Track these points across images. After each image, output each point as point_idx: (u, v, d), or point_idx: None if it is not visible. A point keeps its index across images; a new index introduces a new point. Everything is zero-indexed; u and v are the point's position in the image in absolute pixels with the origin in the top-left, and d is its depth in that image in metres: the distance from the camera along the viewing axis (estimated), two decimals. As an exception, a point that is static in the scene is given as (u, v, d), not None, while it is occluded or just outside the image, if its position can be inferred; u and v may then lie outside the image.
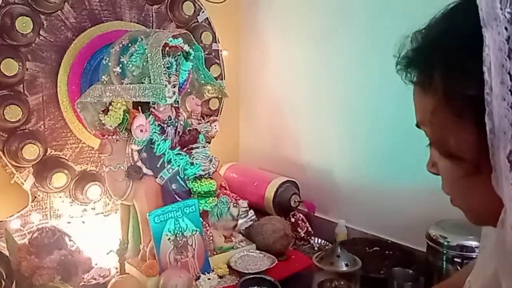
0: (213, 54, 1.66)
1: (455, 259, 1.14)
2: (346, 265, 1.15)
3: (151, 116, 1.25)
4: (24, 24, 1.20)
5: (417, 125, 0.56)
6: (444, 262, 1.16)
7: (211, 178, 1.31)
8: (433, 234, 1.19)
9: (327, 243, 1.49)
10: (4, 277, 1.01)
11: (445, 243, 1.15)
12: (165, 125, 1.28)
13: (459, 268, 1.14)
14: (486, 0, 0.46)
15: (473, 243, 1.13)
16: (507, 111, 0.44)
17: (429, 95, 0.51)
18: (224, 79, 1.71)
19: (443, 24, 0.51)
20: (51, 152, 1.34)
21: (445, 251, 1.15)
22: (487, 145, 0.45)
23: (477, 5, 0.46)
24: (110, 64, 1.21)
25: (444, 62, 0.49)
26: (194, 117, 1.41)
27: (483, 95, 0.45)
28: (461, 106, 0.48)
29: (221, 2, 1.71)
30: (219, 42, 1.67)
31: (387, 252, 1.36)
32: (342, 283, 1.14)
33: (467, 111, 0.47)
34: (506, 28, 0.45)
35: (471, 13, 0.47)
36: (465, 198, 0.54)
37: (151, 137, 1.24)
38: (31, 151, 1.25)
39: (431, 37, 0.52)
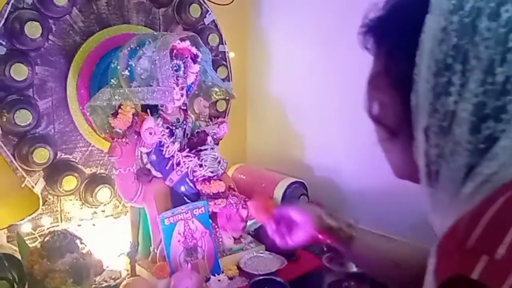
0: (220, 56, 1.67)
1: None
2: (356, 266, 1.15)
3: (159, 118, 1.26)
4: (33, 29, 1.21)
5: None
6: (455, 262, 1.15)
7: (220, 180, 1.31)
8: (443, 233, 1.18)
9: (336, 243, 1.49)
10: (17, 280, 1.02)
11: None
12: (174, 128, 1.29)
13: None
14: None
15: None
16: (428, 92, 0.50)
17: (376, 62, 0.59)
18: (231, 80, 1.71)
19: (404, 1, 0.56)
20: (61, 155, 1.35)
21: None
22: (407, 117, 0.53)
23: None
24: (118, 67, 1.21)
25: (390, 38, 0.56)
26: (202, 119, 1.42)
27: (412, 75, 0.51)
28: (395, 80, 0.55)
29: (227, 4, 1.72)
30: (226, 44, 1.67)
31: (397, 252, 1.35)
32: (352, 283, 1.14)
33: (398, 85, 0.54)
34: (445, 18, 0.49)
35: None
36: (388, 156, 0.63)
37: (160, 140, 1.25)
38: (42, 155, 1.26)
39: (389, 11, 0.57)
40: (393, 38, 0.55)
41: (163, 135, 1.25)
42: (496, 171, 0.48)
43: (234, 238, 1.32)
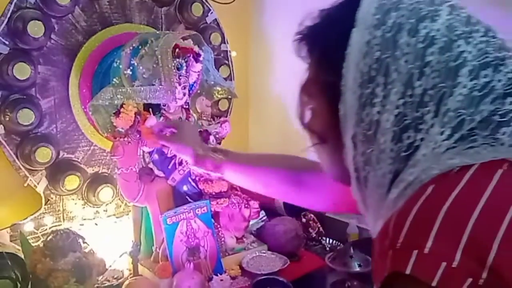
0: (222, 55, 1.66)
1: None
2: (359, 265, 1.15)
3: (162, 117, 1.26)
4: (36, 28, 1.21)
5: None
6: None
7: (222, 179, 1.31)
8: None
9: (339, 243, 1.49)
10: (20, 279, 1.02)
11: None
12: (176, 127, 1.29)
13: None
14: (368, 2, 0.53)
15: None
16: (354, 102, 0.53)
17: (308, 70, 0.60)
18: (233, 79, 1.71)
19: (334, 13, 0.59)
20: (64, 154, 1.35)
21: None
22: (335, 124, 0.55)
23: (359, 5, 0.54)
24: (120, 66, 1.21)
25: (320, 49, 0.58)
26: (205, 118, 1.42)
27: (340, 85, 0.54)
28: (324, 90, 0.57)
29: (229, 3, 1.71)
30: (228, 43, 1.67)
31: (399, 251, 1.35)
32: (355, 283, 1.14)
33: (327, 94, 0.57)
34: (369, 33, 0.52)
35: (355, 9, 0.54)
36: (320, 159, 0.65)
37: (162, 139, 1.24)
38: (44, 154, 1.26)
39: (321, 22, 0.59)
40: (323, 49, 0.58)
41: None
42: (418, 176, 0.51)
43: (237, 238, 1.32)
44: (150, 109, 1.25)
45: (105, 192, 1.38)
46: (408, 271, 0.44)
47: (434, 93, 0.50)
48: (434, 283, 0.42)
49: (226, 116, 1.68)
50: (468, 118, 0.49)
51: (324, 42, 0.58)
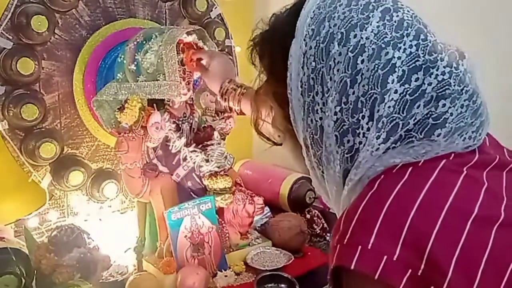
0: (226, 50, 1.66)
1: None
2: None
3: (166, 113, 1.25)
4: (39, 23, 1.20)
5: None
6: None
7: (227, 175, 1.30)
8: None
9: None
10: (24, 275, 1.02)
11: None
12: (180, 122, 1.28)
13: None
14: (305, 13, 0.56)
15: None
16: (300, 109, 0.57)
17: (261, 74, 0.65)
18: (238, 75, 1.70)
19: (280, 21, 0.61)
20: (68, 150, 1.35)
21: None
22: (289, 127, 0.60)
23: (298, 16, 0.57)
24: (125, 61, 1.21)
25: (267, 58, 0.62)
26: (209, 113, 1.41)
27: (287, 93, 0.57)
28: (274, 98, 0.62)
29: (234, -2, 1.70)
30: (232, 38, 1.66)
31: (404, 248, 1.34)
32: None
33: (278, 100, 0.61)
34: (305, 44, 0.55)
35: (295, 21, 0.57)
36: (298, 165, 0.68)
37: (167, 135, 1.24)
38: (48, 150, 1.25)
39: (269, 30, 0.62)
40: (270, 59, 0.61)
41: (170, 130, 1.24)
42: (364, 174, 0.54)
43: (241, 234, 1.32)
44: (155, 105, 1.24)
45: (109, 188, 1.38)
46: (352, 266, 0.47)
47: (367, 99, 0.52)
48: (376, 276, 0.46)
49: (230, 112, 1.67)
50: (401, 122, 0.51)
51: (271, 53, 0.61)
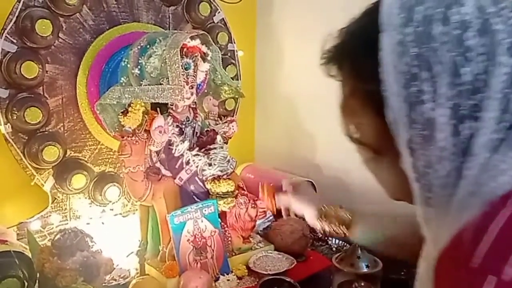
0: (229, 54, 1.66)
1: (478, 260, 1.12)
2: (367, 266, 1.14)
3: (169, 117, 1.26)
4: (43, 27, 1.21)
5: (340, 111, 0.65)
6: (466, 263, 1.14)
7: (229, 179, 1.30)
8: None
9: (345, 243, 1.48)
10: (27, 278, 1.02)
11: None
12: (183, 126, 1.29)
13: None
14: (388, 4, 0.53)
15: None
16: (401, 105, 0.51)
17: (343, 88, 0.60)
18: (240, 79, 1.70)
19: (354, 26, 0.59)
20: (71, 153, 1.35)
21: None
22: (387, 133, 0.53)
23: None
24: (128, 65, 1.21)
25: (351, 62, 0.57)
26: (212, 117, 1.41)
27: (382, 91, 0.51)
28: (365, 101, 0.56)
29: (236, 3, 1.71)
30: (235, 43, 1.67)
31: (407, 253, 1.34)
32: (362, 284, 1.13)
33: (369, 104, 0.55)
34: (399, 32, 0.51)
35: (376, 16, 0.53)
36: (378, 177, 0.62)
37: (170, 138, 1.24)
38: (51, 153, 1.26)
39: (344, 37, 0.59)
40: (353, 62, 0.57)
41: (173, 133, 1.25)
42: (478, 175, 0.49)
43: (243, 238, 1.32)
44: (158, 108, 1.25)
45: (112, 191, 1.38)
46: None
47: (481, 77, 0.48)
48: None
49: (233, 116, 1.68)
50: None
51: (352, 55, 0.57)
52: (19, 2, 1.20)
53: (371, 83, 0.53)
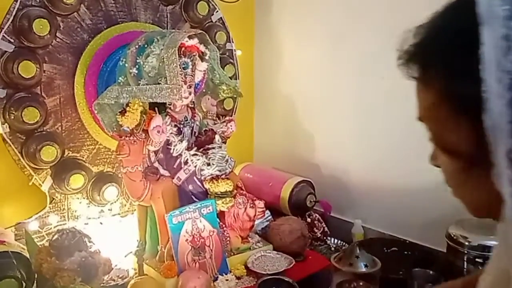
0: (227, 54, 1.66)
1: (477, 260, 1.12)
2: (365, 266, 1.14)
3: (167, 116, 1.25)
4: (41, 26, 1.20)
5: (419, 119, 0.57)
6: (465, 263, 1.14)
7: (228, 179, 1.30)
8: (454, 234, 1.17)
9: (344, 243, 1.48)
10: (25, 278, 1.02)
11: (466, 243, 1.14)
12: (182, 126, 1.28)
13: (480, 268, 1.12)
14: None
15: (495, 243, 1.12)
16: (504, 109, 0.44)
17: (429, 91, 0.51)
18: (239, 79, 1.70)
19: (442, 20, 0.51)
20: (69, 153, 1.34)
21: (466, 251, 1.14)
22: (484, 141, 0.46)
23: (475, 2, 0.46)
24: (126, 65, 1.21)
25: (442, 59, 0.49)
26: (210, 117, 1.41)
27: (480, 92, 0.45)
28: (459, 103, 0.48)
29: (234, 2, 1.71)
30: (233, 42, 1.66)
31: (405, 252, 1.34)
32: (361, 284, 1.14)
33: (464, 108, 0.48)
34: (503, 26, 0.45)
35: (470, 10, 0.46)
36: (463, 191, 0.54)
37: (168, 138, 1.24)
38: (49, 153, 1.25)
39: (430, 33, 0.52)
40: (446, 59, 0.49)
41: (171, 133, 1.24)
42: None
43: (242, 238, 1.32)
44: (156, 108, 1.24)
45: (110, 191, 1.38)
46: None
47: None
48: None
49: (231, 115, 1.67)
50: None
51: (444, 53, 0.49)
52: (17, 2, 1.20)
53: (467, 83, 0.46)
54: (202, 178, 1.28)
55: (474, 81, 0.45)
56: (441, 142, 0.53)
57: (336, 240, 1.50)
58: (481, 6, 0.46)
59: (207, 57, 1.30)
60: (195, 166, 1.27)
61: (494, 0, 0.46)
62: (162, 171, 1.26)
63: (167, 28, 1.52)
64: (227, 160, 1.33)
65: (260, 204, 1.33)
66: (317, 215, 1.55)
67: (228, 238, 1.30)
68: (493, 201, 0.48)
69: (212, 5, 1.59)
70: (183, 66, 1.22)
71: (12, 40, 1.20)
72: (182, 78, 1.21)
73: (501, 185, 0.46)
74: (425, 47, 0.52)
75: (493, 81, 0.45)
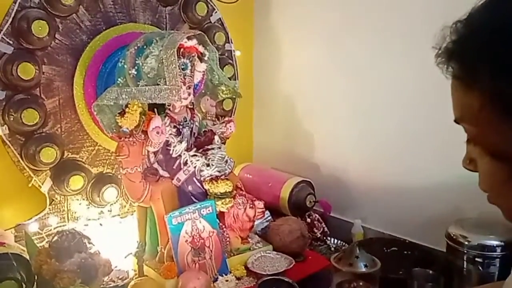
0: (226, 54, 1.66)
1: (476, 259, 1.13)
2: (365, 266, 1.14)
3: (167, 117, 1.25)
4: (40, 28, 1.20)
5: (456, 121, 0.53)
6: (465, 262, 1.14)
7: (227, 179, 1.30)
8: (453, 233, 1.17)
9: (344, 243, 1.48)
10: (25, 280, 1.02)
11: (466, 243, 1.14)
12: (181, 127, 1.28)
13: (480, 268, 1.12)
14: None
15: (495, 243, 1.12)
16: None
17: (474, 90, 0.47)
18: (238, 79, 1.70)
19: (487, 14, 0.47)
20: (68, 155, 1.34)
21: (465, 251, 1.14)
22: None
23: None
24: (125, 66, 1.21)
25: (487, 57, 0.45)
26: (209, 118, 1.41)
27: None
28: (507, 103, 0.45)
29: (233, 2, 1.71)
30: (232, 43, 1.67)
31: (405, 252, 1.34)
32: (361, 284, 1.14)
33: (508, 110, 0.45)
34: None
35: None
36: (505, 198, 0.51)
37: (167, 139, 1.24)
38: (49, 154, 1.25)
39: (474, 29, 0.48)
40: (495, 58, 0.45)
41: (170, 134, 1.24)
42: None
43: (242, 238, 1.32)
44: (155, 109, 1.24)
45: (110, 192, 1.38)
46: None
47: None
48: None
49: (231, 116, 1.67)
50: None
51: (491, 50, 0.45)
52: (15, 3, 1.20)
53: None
54: (202, 178, 1.28)
55: None
56: (486, 144, 0.50)
57: (336, 240, 1.50)
58: None
59: (206, 58, 1.30)
60: (195, 167, 1.27)
61: None
62: (161, 172, 1.26)
63: (166, 29, 1.52)
64: (226, 161, 1.33)
65: (259, 204, 1.33)
66: (316, 215, 1.55)
67: (228, 239, 1.30)
68: None
69: (211, 6, 1.59)
70: (182, 67, 1.22)
71: (11, 42, 1.20)
72: (181, 79, 1.21)
73: None
74: (468, 44, 0.48)
75: None
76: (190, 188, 1.28)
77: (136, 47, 1.21)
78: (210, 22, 1.61)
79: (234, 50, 1.68)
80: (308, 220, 1.51)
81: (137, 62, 1.20)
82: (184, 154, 1.26)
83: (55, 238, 1.03)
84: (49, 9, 1.25)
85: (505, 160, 0.48)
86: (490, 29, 0.46)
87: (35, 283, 1.03)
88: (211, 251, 1.22)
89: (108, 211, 1.42)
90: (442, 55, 0.50)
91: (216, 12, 1.61)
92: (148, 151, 1.24)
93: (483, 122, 0.48)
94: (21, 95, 1.23)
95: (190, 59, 1.24)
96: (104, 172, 1.42)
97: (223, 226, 1.30)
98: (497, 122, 0.46)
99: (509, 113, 0.45)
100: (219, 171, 1.29)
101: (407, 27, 1.33)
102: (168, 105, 1.26)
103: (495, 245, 1.11)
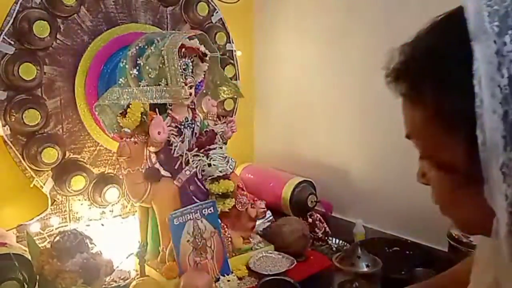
0: (227, 54, 1.66)
1: (478, 259, 1.12)
2: (367, 265, 1.14)
3: (168, 117, 1.25)
4: (41, 28, 1.21)
5: (407, 136, 0.57)
6: (467, 262, 1.14)
7: (229, 179, 1.30)
8: (455, 233, 1.17)
9: (345, 243, 1.48)
10: (27, 280, 1.02)
11: (468, 242, 1.13)
12: (182, 127, 1.28)
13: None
14: (474, 13, 0.47)
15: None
16: (498, 124, 0.44)
17: (419, 108, 0.51)
18: (239, 79, 1.70)
19: (432, 37, 0.51)
20: (70, 155, 1.35)
21: (467, 251, 1.13)
22: (474, 157, 0.46)
23: (465, 18, 0.47)
24: (127, 66, 1.21)
25: (433, 75, 0.49)
26: (210, 118, 1.41)
27: (473, 108, 0.45)
28: (452, 119, 0.48)
29: (234, 2, 1.71)
30: (233, 43, 1.67)
31: (407, 252, 1.34)
32: (363, 283, 1.14)
33: (458, 124, 0.48)
34: (494, 41, 0.45)
35: (459, 26, 0.47)
36: (455, 209, 0.54)
37: (169, 139, 1.24)
38: (50, 155, 1.25)
39: (419, 50, 0.52)
40: (438, 76, 0.49)
41: (172, 134, 1.24)
42: None
43: (243, 238, 1.32)
44: (157, 109, 1.24)
45: (111, 193, 1.38)
46: None
47: None
48: None
49: (232, 116, 1.67)
50: None
51: (435, 69, 0.49)
52: (17, 4, 1.20)
53: (460, 99, 0.47)
54: (203, 179, 1.28)
55: (467, 96, 0.45)
56: (435, 158, 0.53)
57: (337, 240, 1.50)
58: (471, 23, 0.46)
59: (207, 58, 1.30)
60: (196, 167, 1.27)
61: (483, 17, 0.46)
62: (163, 172, 1.26)
63: (167, 29, 1.52)
64: (228, 161, 1.33)
65: (261, 204, 1.33)
66: (318, 215, 1.54)
67: (229, 239, 1.30)
68: (483, 218, 0.48)
69: (212, 6, 1.59)
70: (183, 67, 1.22)
71: (12, 42, 1.20)
72: (182, 79, 1.21)
73: (493, 200, 0.46)
74: (414, 63, 0.52)
75: (487, 96, 0.45)
76: (191, 188, 1.27)
77: (137, 47, 1.21)
78: (211, 22, 1.61)
79: (235, 50, 1.68)
80: (310, 220, 1.51)
81: (138, 62, 1.20)
82: (185, 154, 1.26)
83: (57, 238, 1.03)
84: (50, 10, 1.25)
85: (451, 171, 0.51)
86: (433, 52, 0.50)
87: (37, 283, 1.03)
88: (213, 251, 1.22)
89: (110, 211, 1.42)
90: (391, 75, 0.54)
91: (217, 12, 1.61)
92: (149, 151, 1.24)
93: (429, 136, 0.52)
94: (22, 95, 1.24)
95: (192, 59, 1.25)
96: (105, 172, 1.42)
97: (225, 226, 1.30)
98: (445, 137, 0.49)
99: (451, 127, 0.48)
100: (220, 171, 1.29)
101: (407, 27, 1.33)
102: (170, 105, 1.26)
103: (496, 245, 1.11)
